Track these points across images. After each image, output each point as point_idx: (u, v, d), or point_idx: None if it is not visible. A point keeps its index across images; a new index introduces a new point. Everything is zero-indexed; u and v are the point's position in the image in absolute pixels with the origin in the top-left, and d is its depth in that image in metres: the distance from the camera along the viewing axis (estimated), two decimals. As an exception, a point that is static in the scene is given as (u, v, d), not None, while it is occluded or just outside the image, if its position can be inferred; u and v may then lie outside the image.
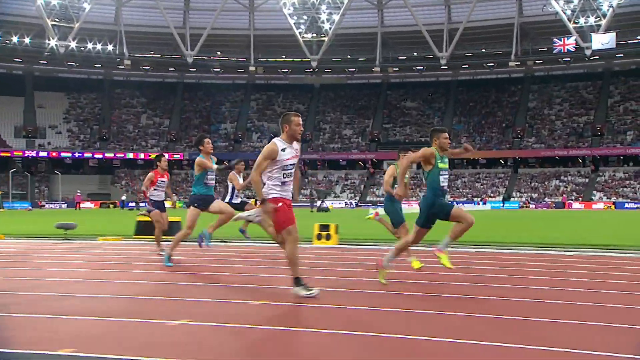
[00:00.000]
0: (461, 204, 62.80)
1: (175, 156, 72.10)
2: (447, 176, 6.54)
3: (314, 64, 74.05)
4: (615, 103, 78.05)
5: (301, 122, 5.90)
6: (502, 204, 65.83)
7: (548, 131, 77.22)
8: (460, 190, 72.60)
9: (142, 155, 72.57)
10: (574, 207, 63.06)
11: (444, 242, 6.53)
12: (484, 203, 65.42)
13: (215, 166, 8.70)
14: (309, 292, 5.70)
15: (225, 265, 9.07)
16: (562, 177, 72.90)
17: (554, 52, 71.54)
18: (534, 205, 65.34)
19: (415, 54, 78.43)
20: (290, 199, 5.90)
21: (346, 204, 64.35)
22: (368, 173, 78.51)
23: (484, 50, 78.31)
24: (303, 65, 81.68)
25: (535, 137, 77.38)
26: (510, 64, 75.26)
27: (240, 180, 11.24)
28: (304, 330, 4.49)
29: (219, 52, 76.26)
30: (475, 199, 68.40)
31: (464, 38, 78.25)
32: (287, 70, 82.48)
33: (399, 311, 5.18)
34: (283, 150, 5.82)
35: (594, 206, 62.53)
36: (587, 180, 71.81)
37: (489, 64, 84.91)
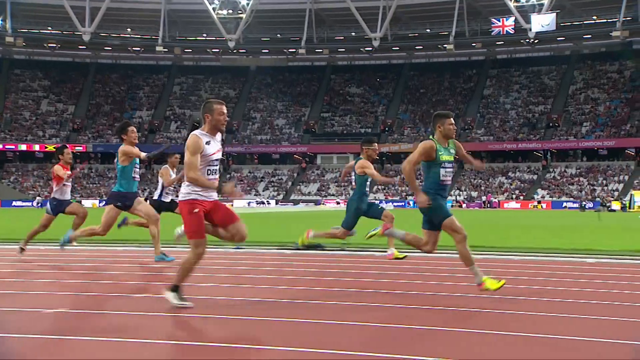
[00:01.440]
0: (390, 203, 59.73)
1: (77, 148, 68.42)
2: (450, 169, 6.28)
3: (231, 44, 70.19)
4: (577, 90, 74.38)
5: (225, 111, 5.67)
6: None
7: (500, 122, 73.33)
8: (397, 187, 68.80)
9: (37, 147, 68.78)
10: (506, 206, 58.90)
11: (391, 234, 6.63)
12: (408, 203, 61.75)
13: (143, 154, 8.42)
14: (182, 303, 5.52)
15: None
16: (510, 173, 69.02)
17: (492, 33, 67.27)
18: (466, 205, 61.50)
19: (353, 33, 74.18)
20: (214, 199, 5.65)
21: (258, 203, 60.47)
22: (299, 168, 74.84)
23: (428, 30, 74.03)
24: (236, 45, 77.45)
25: (486, 129, 73.69)
26: (448, 46, 70.96)
27: (173, 176, 10.55)
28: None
29: (129, 29, 72.13)
30: (409, 197, 64.65)
31: (410, 16, 73.91)
32: (217, 50, 78.38)
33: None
34: (207, 143, 5.56)
35: (531, 205, 58.73)
36: (535, 176, 67.87)
37: (443, 45, 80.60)
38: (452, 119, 6.31)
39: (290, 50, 78.05)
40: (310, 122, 79.16)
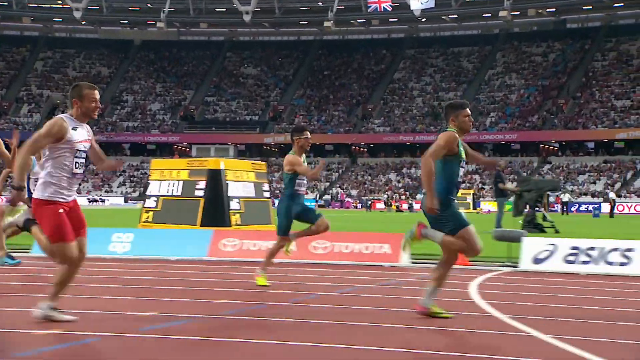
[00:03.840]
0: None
1: None
2: (465, 168, 6.12)
3: (77, 14, 65.65)
4: (494, 75, 71.03)
5: (97, 97, 5.59)
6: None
7: (402, 110, 69.44)
8: (275, 185, 64.91)
9: None
10: (378, 206, 54.54)
11: None
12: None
13: None
14: (61, 317, 5.54)
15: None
16: (404, 170, 65.10)
17: (369, 10, 63.37)
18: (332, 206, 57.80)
19: (234, 5, 70.06)
20: (74, 199, 5.57)
21: (91, 201, 56.77)
22: (170, 160, 70.93)
23: (320, 3, 69.95)
24: (118, 15, 73.47)
25: (385, 118, 69.73)
26: (326, 23, 67.12)
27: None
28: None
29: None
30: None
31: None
32: (93, 20, 74.63)
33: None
34: (74, 129, 5.45)
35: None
36: (429, 175, 63.68)
37: (357, 20, 76.89)
38: (468, 109, 6.14)
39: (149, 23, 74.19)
40: (191, 108, 75.72)
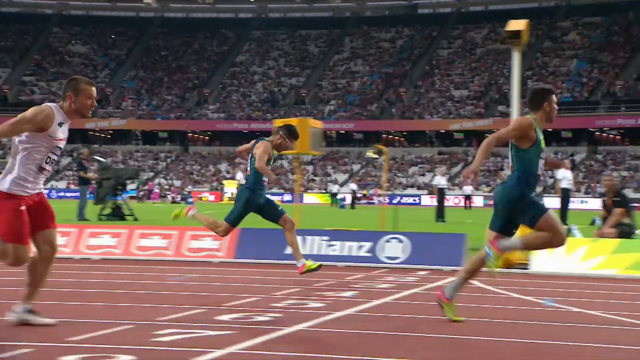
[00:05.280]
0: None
1: None
2: (544, 159, 6.09)
3: None
4: (340, 61, 69.99)
5: (95, 95, 5.44)
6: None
7: (241, 96, 67.04)
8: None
9: None
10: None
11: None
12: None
13: None
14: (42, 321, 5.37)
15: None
16: (237, 159, 62.65)
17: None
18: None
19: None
20: (39, 193, 5.36)
21: None
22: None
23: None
24: None
25: (221, 104, 67.22)
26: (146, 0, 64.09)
27: None
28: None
29: None
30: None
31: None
32: None
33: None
34: (60, 125, 5.27)
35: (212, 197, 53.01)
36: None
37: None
38: (554, 96, 6.12)
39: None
40: (5, 88, 70.25)
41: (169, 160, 67.17)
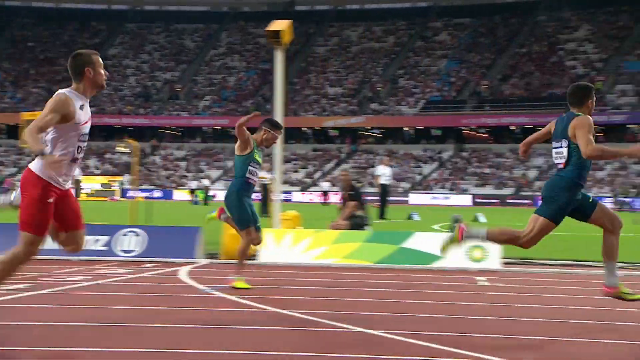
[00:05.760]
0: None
1: None
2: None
3: None
4: (216, 56, 69.72)
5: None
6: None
7: (112, 90, 65.83)
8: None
9: None
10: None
11: None
12: None
13: None
14: None
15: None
16: (108, 155, 61.80)
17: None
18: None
19: None
20: (68, 188, 5.24)
21: None
22: None
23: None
24: None
25: (93, 99, 64.56)
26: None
27: None
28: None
29: None
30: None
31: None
32: None
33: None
34: (81, 108, 5.11)
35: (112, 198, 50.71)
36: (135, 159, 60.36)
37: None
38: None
39: None
40: None
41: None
